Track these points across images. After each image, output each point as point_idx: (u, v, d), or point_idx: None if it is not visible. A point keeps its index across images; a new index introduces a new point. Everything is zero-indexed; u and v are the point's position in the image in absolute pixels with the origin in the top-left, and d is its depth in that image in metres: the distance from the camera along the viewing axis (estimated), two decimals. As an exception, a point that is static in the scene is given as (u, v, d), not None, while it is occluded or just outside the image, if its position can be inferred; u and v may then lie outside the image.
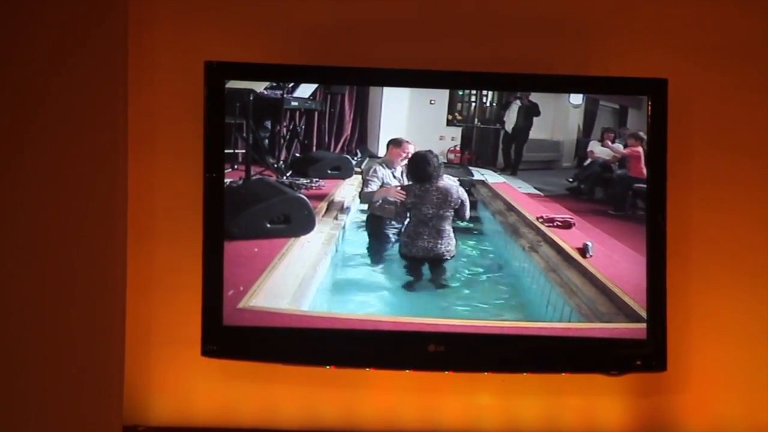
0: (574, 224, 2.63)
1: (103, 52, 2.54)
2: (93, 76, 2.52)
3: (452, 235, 2.63)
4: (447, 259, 2.61)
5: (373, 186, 2.63)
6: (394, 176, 2.64)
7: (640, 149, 2.55)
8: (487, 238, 2.75)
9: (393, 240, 2.64)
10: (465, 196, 2.63)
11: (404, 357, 2.51)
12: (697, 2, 2.68)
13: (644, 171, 2.54)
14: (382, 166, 2.64)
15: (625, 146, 2.60)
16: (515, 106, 2.66)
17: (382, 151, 2.73)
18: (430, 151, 2.58)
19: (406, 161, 2.60)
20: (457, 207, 2.63)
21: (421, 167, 2.58)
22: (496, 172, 2.69)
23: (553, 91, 2.63)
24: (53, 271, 2.47)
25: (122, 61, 2.57)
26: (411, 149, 2.59)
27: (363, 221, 2.70)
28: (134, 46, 2.60)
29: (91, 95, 2.52)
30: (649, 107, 2.54)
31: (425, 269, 2.58)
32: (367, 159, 2.73)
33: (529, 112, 2.62)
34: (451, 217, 2.62)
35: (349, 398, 2.66)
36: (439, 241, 2.62)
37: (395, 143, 2.61)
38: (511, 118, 2.67)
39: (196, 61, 2.51)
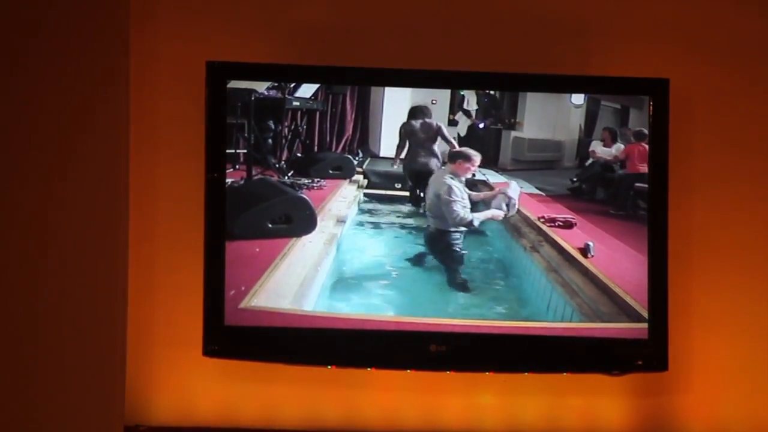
0: (576, 224, 2.63)
1: (105, 52, 2.53)
2: (95, 76, 2.51)
3: (439, 155, 2.68)
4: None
5: (462, 210, 2.64)
6: (464, 187, 2.65)
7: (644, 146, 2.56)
8: (488, 238, 2.75)
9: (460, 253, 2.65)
10: (440, 124, 2.67)
11: (406, 357, 2.51)
12: (699, 2, 2.68)
13: (643, 168, 2.54)
14: (455, 180, 2.63)
15: (628, 143, 2.60)
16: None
17: (383, 151, 2.74)
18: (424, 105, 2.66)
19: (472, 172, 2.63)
20: (435, 134, 2.67)
21: (417, 109, 2.66)
22: (497, 171, 2.69)
23: (555, 91, 2.62)
24: (55, 272, 2.47)
25: (124, 61, 2.57)
26: (478, 161, 2.62)
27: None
28: (136, 46, 2.60)
29: (92, 95, 2.51)
30: (651, 107, 2.54)
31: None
32: (369, 160, 2.73)
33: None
34: (435, 143, 2.68)
35: (350, 398, 2.66)
36: (432, 159, 2.68)
37: (464, 157, 2.61)
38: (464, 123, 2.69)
39: (198, 61, 2.51)
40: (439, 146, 2.69)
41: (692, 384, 2.66)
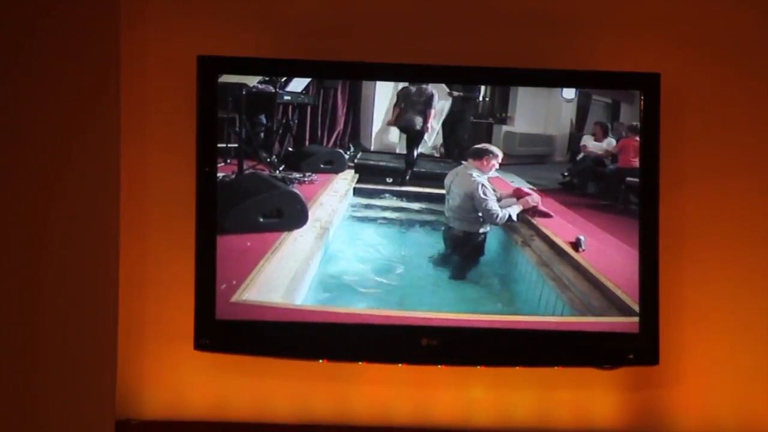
0: (552, 216, 2.62)
1: (96, 46, 2.54)
2: (85, 70, 2.52)
3: (425, 114, 2.68)
4: (419, 130, 2.70)
5: (499, 207, 2.64)
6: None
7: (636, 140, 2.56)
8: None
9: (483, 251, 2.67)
10: (435, 92, 2.68)
11: (397, 351, 2.52)
12: (690, -4, 2.69)
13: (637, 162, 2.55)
14: (483, 177, 2.63)
15: (621, 138, 2.60)
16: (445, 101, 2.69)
17: (375, 146, 2.73)
18: None
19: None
20: (428, 99, 2.68)
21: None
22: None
23: (545, 85, 2.62)
24: (46, 266, 2.48)
25: (115, 55, 2.57)
26: (501, 158, 2.62)
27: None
28: (126, 41, 2.60)
29: (83, 90, 2.52)
30: (642, 102, 2.55)
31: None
32: (360, 154, 2.72)
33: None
34: (424, 105, 2.69)
35: (341, 392, 2.65)
36: (417, 117, 2.68)
37: (491, 153, 2.61)
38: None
39: (189, 56, 2.51)
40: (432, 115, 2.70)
41: (683, 377, 2.66)
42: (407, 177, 2.71)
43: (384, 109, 2.70)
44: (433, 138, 2.73)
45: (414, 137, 2.71)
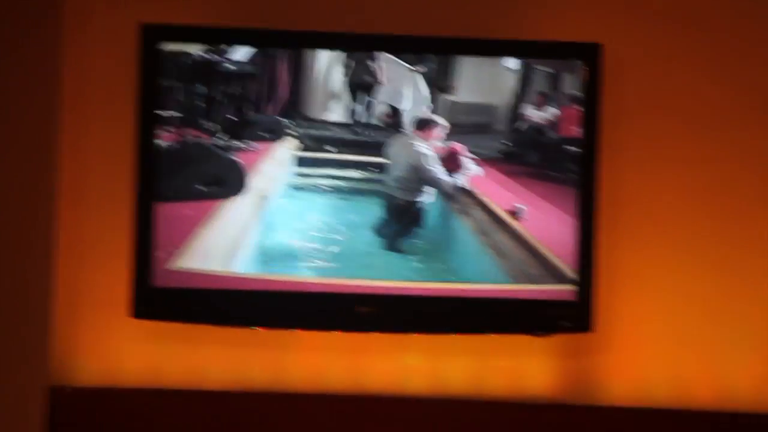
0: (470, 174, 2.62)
1: (37, 13, 2.53)
2: (26, 36, 2.52)
3: (373, 69, 2.67)
4: (371, 83, 2.70)
5: (446, 176, 2.64)
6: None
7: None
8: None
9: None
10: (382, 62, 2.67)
11: (332, 318, 2.52)
12: (633, -35, 2.68)
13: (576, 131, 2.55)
14: (426, 148, 2.63)
15: (562, 107, 2.60)
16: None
17: (316, 114, 2.72)
18: None
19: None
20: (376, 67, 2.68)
21: None
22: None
23: (487, 55, 2.62)
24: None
25: (56, 22, 2.56)
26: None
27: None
28: (69, 7, 2.60)
29: (24, 56, 2.52)
30: (583, 71, 2.54)
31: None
32: (302, 123, 2.71)
33: None
34: (371, 59, 2.66)
35: (277, 359, 2.65)
36: (367, 74, 2.67)
37: (435, 123, 2.62)
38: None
39: (131, 23, 2.51)
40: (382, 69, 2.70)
41: (618, 345, 2.66)
42: (351, 141, 2.70)
43: (328, 78, 2.70)
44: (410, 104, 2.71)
45: (367, 92, 2.70)
